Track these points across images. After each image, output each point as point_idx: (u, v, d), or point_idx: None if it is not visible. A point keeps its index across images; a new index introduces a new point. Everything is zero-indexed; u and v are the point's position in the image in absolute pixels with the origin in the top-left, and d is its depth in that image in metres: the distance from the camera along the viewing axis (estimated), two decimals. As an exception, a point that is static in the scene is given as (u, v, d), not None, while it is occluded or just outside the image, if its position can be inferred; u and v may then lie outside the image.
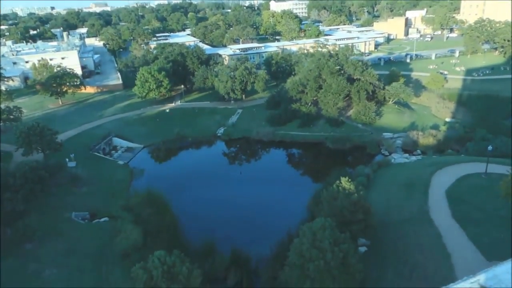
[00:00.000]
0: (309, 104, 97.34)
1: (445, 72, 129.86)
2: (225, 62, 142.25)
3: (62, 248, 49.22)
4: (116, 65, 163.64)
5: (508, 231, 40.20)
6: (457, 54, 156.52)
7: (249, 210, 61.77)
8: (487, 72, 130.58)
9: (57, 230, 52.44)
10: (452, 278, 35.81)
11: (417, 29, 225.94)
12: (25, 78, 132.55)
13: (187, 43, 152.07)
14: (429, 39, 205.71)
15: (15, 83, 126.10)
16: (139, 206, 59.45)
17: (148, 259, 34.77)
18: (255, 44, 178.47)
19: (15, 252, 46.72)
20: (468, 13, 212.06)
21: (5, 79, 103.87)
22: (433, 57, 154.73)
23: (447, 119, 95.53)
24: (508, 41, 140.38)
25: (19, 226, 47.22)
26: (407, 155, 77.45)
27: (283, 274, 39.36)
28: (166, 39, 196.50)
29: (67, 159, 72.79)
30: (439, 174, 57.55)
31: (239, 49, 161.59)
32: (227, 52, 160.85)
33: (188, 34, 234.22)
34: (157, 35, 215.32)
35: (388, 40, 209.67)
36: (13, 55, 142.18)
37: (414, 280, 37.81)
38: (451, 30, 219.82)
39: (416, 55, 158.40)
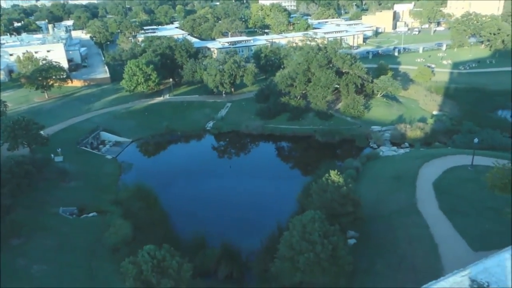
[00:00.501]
0: (298, 97, 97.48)
1: (433, 66, 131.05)
2: (214, 56, 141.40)
3: (50, 243, 48.75)
4: (103, 58, 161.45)
5: (494, 222, 41.02)
6: (444, 47, 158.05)
7: (239, 204, 61.92)
8: (474, 65, 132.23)
9: (45, 225, 51.88)
10: (439, 268, 36.57)
11: (405, 23, 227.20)
12: (10, 71, 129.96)
13: (175, 36, 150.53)
14: (417, 32, 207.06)
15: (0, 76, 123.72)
16: (128, 200, 59.13)
17: (137, 254, 34.63)
18: (244, 38, 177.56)
19: (2, 248, 46.08)
20: (455, 7, 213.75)
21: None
22: (420, 51, 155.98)
23: (435, 112, 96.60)
24: (494, 34, 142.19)
25: (6, 221, 46.57)
26: (395, 148, 78.25)
27: (273, 267, 39.63)
28: (154, 32, 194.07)
29: (52, 155, 71.77)
30: (426, 166, 58.30)
31: (228, 42, 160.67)
32: (215, 45, 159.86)
33: (177, 27, 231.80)
34: (145, 28, 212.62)
35: (377, 33, 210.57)
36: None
37: (402, 270, 38.41)
38: (438, 23, 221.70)
39: (404, 49, 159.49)
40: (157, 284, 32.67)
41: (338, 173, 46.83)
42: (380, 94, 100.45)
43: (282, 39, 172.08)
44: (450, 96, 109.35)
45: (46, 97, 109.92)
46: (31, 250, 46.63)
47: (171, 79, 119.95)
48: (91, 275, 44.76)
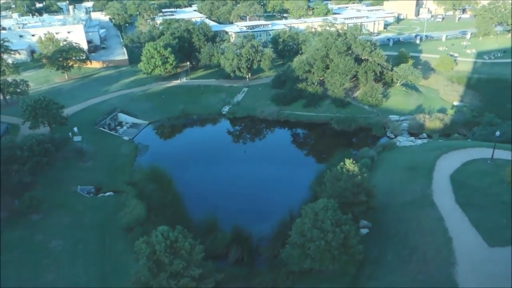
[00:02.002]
0: (316, 84, 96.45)
1: (455, 55, 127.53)
2: (232, 40, 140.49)
3: (67, 220, 50.13)
4: (122, 40, 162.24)
5: (510, 218, 40.21)
6: (468, 36, 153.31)
7: (252, 189, 62.16)
8: (499, 55, 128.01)
9: (62, 203, 53.28)
10: (452, 262, 36.21)
11: (428, 9, 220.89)
12: (32, 52, 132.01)
13: (193, 19, 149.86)
14: (440, 19, 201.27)
15: (22, 56, 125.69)
16: (143, 181, 60.04)
17: (151, 234, 35.23)
18: (262, 22, 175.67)
19: (22, 223, 47.66)
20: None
21: (12, 52, 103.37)
22: (443, 39, 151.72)
23: (455, 103, 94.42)
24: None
25: (26, 198, 47.96)
26: (412, 138, 76.93)
27: (284, 253, 39.88)
28: (173, 14, 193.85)
29: (70, 134, 73.11)
30: (444, 158, 57.25)
31: (246, 26, 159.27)
32: (233, 29, 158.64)
33: (195, 10, 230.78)
34: (163, 10, 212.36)
35: (398, 20, 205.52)
36: (19, 28, 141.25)
37: (413, 262, 38.15)
38: (464, 10, 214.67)
39: (426, 36, 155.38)
40: (169, 264, 33.26)
41: (353, 161, 46.42)
42: (400, 82, 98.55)
43: (301, 24, 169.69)
44: (472, 87, 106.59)
45: (66, 77, 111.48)
46: (49, 226, 48.08)
47: (188, 63, 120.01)
48: (105, 252, 45.97)
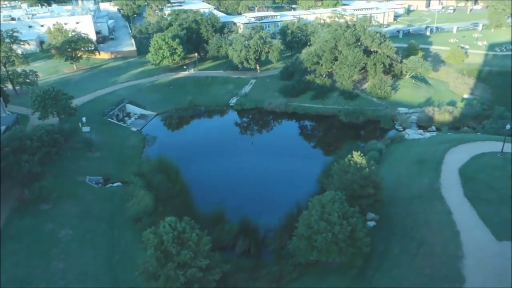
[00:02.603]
0: (324, 76, 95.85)
1: (466, 47, 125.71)
2: (240, 31, 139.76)
3: (76, 210, 50.70)
4: (130, 31, 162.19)
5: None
6: (480, 27, 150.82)
7: (259, 180, 62.29)
8: (511, 47, 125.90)
9: (71, 192, 53.87)
10: (459, 256, 36.06)
11: (439, 1, 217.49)
12: (41, 42, 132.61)
13: (201, 10, 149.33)
14: (452, 11, 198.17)
15: (31, 46, 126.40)
16: (151, 172, 60.45)
17: (159, 224, 35.53)
18: (271, 13, 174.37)
19: (32, 212, 48.29)
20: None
21: (21, 43, 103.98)
22: (454, 30, 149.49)
23: (465, 96, 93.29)
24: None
25: (35, 187, 48.53)
26: (421, 131, 76.37)
27: (290, 245, 40.03)
28: (181, 5, 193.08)
29: (79, 124, 73.65)
30: (453, 151, 56.71)
31: (254, 17, 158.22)
32: (242, 20, 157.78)
33: (203, 1, 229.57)
34: (172, 1, 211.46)
35: (408, 11, 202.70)
36: (28, 18, 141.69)
37: (420, 256, 38.04)
38: (476, 2, 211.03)
39: (437, 28, 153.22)
40: (176, 255, 33.56)
41: (361, 154, 46.21)
42: (409, 75, 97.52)
43: (309, 15, 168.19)
44: (483, 79, 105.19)
45: (75, 68, 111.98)
46: (58, 216, 48.68)
47: (196, 54, 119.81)
48: (113, 242, 46.51)
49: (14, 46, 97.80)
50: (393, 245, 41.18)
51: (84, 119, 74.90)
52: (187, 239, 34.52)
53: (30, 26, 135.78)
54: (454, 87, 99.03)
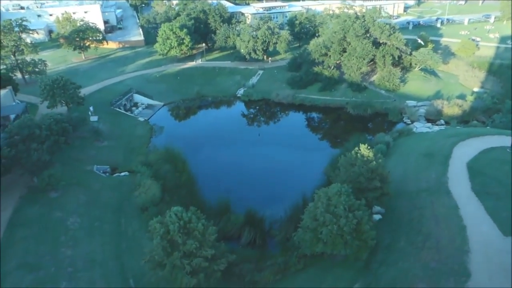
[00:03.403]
0: (332, 67, 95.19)
1: (478, 39, 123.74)
2: (248, 21, 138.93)
3: (84, 198, 51.25)
4: (138, 20, 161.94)
5: (528, 207, 39.51)
6: (492, 19, 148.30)
7: (265, 172, 62.38)
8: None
9: (79, 181, 54.39)
10: (465, 250, 35.95)
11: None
12: (49, 31, 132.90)
13: (209, 0, 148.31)
14: (463, 2, 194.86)
15: (40, 36, 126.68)
16: (158, 162, 60.82)
17: (165, 214, 35.81)
18: (279, 3, 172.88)
19: (41, 200, 48.88)
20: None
21: (30, 32, 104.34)
22: (466, 22, 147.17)
23: (475, 89, 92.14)
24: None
25: (44, 175, 49.06)
26: (429, 124, 75.81)
27: (296, 236, 40.16)
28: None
29: (89, 113, 74.11)
30: (461, 145, 56.22)
31: (262, 8, 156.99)
32: (250, 10, 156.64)
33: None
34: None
35: (419, 2, 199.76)
36: (37, 7, 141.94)
37: (426, 250, 37.95)
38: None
39: (448, 20, 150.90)
40: (182, 244, 33.87)
41: (368, 147, 46.00)
42: (418, 67, 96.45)
43: (318, 6, 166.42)
44: (494, 73, 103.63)
45: (83, 57, 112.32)
46: (66, 204, 49.24)
47: (203, 44, 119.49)
48: (120, 230, 47.02)
49: (23, 35, 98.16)
50: (399, 239, 41.13)
51: (91, 108, 75.28)
52: (193, 229, 34.80)
53: (39, 15, 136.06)
54: (464, 80, 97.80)
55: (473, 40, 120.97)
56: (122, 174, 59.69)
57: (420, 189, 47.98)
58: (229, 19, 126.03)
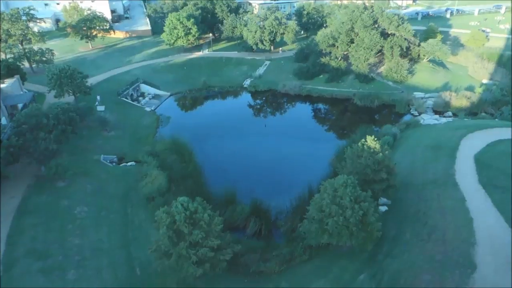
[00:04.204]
0: (339, 58, 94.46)
1: (488, 30, 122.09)
2: (255, 11, 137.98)
3: (91, 188, 51.67)
4: (145, 10, 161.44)
5: (536, 200, 39.22)
6: (503, 10, 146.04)
7: (272, 163, 62.37)
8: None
9: (86, 171, 54.78)
10: (472, 243, 35.88)
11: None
12: (57, 20, 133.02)
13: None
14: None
15: (47, 25, 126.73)
16: (164, 152, 61.04)
17: (171, 204, 36.01)
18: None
19: (49, 189, 49.38)
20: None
21: (38, 21, 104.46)
22: (476, 13, 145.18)
23: (484, 81, 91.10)
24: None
25: (52, 165, 49.47)
26: (437, 116, 75.19)
27: (301, 227, 40.27)
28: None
29: (96, 102, 74.37)
30: (469, 137, 55.80)
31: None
32: (257, 0, 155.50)
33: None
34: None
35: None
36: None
37: (432, 242, 37.91)
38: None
39: (458, 10, 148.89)
40: (188, 234, 34.10)
41: (375, 138, 45.79)
42: (427, 58, 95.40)
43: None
44: (503, 64, 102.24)
45: (90, 47, 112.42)
46: (74, 193, 49.70)
47: (210, 34, 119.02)
48: (127, 220, 47.42)
49: (31, 24, 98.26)
50: (405, 231, 41.10)
51: (98, 97, 75.48)
52: (199, 219, 34.98)
53: (46, 4, 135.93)
54: (473, 72, 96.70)
55: (483, 31, 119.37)
56: (129, 164, 60.03)
57: (427, 181, 47.78)
58: (236, 9, 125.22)
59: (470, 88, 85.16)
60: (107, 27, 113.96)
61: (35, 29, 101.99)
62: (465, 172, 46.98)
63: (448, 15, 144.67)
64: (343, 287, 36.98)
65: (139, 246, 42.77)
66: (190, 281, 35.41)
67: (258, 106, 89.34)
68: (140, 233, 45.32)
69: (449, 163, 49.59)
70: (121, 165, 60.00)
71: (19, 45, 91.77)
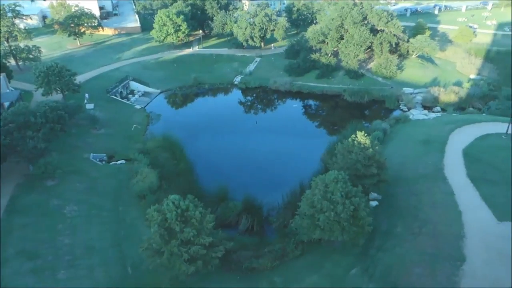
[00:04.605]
0: (329, 54, 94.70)
1: (475, 26, 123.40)
2: (245, 8, 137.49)
3: (81, 186, 51.21)
4: (134, 7, 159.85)
5: (523, 193, 39.93)
6: (490, 6, 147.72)
7: (263, 159, 62.43)
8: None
9: (76, 169, 54.25)
10: (461, 236, 36.44)
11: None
12: (43, 17, 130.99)
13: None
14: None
15: (34, 21, 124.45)
16: (155, 150, 60.69)
17: (163, 202, 35.84)
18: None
19: (38, 188, 48.83)
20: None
21: (24, 17, 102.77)
22: (463, 9, 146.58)
23: (472, 76, 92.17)
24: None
25: (41, 163, 48.89)
26: (426, 111, 75.99)
27: (293, 223, 40.44)
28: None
29: (85, 100, 73.59)
30: (458, 132, 56.59)
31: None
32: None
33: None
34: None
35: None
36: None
37: (423, 235, 38.42)
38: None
39: (446, 7, 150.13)
40: (180, 232, 34.00)
41: (365, 134, 46.10)
42: (416, 54, 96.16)
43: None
44: (491, 60, 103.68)
45: (78, 44, 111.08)
46: (64, 192, 49.21)
47: (200, 31, 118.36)
48: (118, 218, 47.11)
49: (17, 21, 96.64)
50: (396, 225, 41.53)
51: (87, 95, 74.63)
52: (190, 217, 34.87)
53: (32, 0, 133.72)
54: (461, 67, 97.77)
55: (471, 27, 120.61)
56: (119, 162, 59.52)
57: (417, 175, 48.32)
58: (226, 5, 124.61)
59: (458, 83, 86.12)
60: (96, 24, 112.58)
61: (21, 26, 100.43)
62: (454, 166, 47.65)
63: (436, 11, 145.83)
64: (336, 281, 37.25)
65: (131, 244, 42.50)
66: (182, 278, 35.36)
67: (249, 103, 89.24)
68: (131, 231, 45.05)
69: (438, 158, 50.21)
70: (111, 163, 59.46)
71: (5, 42, 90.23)
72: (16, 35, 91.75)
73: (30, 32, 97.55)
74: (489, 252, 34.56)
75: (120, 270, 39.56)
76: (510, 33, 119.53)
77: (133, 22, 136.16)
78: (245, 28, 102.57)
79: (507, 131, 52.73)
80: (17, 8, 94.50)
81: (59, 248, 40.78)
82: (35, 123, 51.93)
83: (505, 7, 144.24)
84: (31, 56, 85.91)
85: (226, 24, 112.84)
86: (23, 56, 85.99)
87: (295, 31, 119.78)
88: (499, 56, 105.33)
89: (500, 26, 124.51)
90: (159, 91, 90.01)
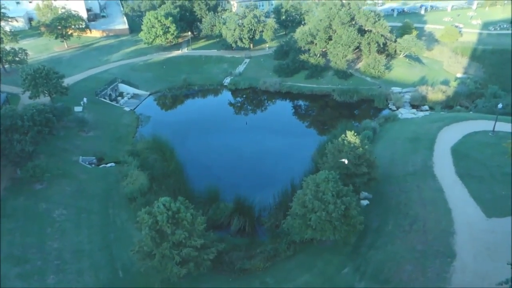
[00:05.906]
0: (318, 55, 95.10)
1: (460, 25, 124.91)
2: (234, 9, 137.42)
3: (70, 190, 50.61)
4: (122, 8, 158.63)
5: (510, 189, 40.51)
6: (474, 6, 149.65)
7: (254, 160, 62.42)
8: (505, 26, 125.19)
9: (65, 172, 53.54)
10: (451, 232, 36.84)
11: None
12: (30, 19, 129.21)
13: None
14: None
15: (20, 24, 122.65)
16: (145, 152, 60.31)
17: (153, 204, 35.57)
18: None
19: (26, 192, 48.14)
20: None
21: (9, 19, 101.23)
22: (449, 9, 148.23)
23: (458, 75, 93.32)
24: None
25: (28, 167, 48.20)
26: (414, 110, 76.75)
27: (285, 223, 40.45)
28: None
29: (81, 103, 72.68)
30: (446, 130, 57.23)
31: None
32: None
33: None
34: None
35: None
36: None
37: (413, 232, 38.76)
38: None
39: (432, 7, 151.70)
40: (171, 235, 33.76)
41: (355, 133, 46.37)
42: (403, 54, 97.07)
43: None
44: (477, 58, 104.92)
45: (66, 46, 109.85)
46: (52, 195, 48.59)
47: (189, 33, 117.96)
48: (108, 221, 46.66)
49: (2, 23, 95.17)
50: (387, 222, 41.82)
51: (85, 99, 73.35)
52: (181, 219, 34.63)
53: (18, 2, 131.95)
54: (448, 66, 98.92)
55: (456, 26, 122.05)
56: (109, 165, 58.97)
57: (407, 173, 48.75)
58: (215, 7, 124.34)
59: (445, 82, 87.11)
60: (83, 26, 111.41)
61: (7, 28, 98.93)
62: (443, 164, 48.21)
63: (422, 11, 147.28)
64: (328, 280, 37.37)
65: (122, 247, 42.14)
66: (174, 281, 35.10)
67: (239, 104, 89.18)
68: (122, 234, 44.65)
69: (427, 155, 50.74)
70: (101, 166, 58.91)
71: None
72: (1, 38, 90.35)
73: (16, 35, 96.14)
74: (479, 247, 35.03)
75: (111, 273, 39.18)
76: (495, 32, 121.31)
77: (121, 24, 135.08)
78: (234, 30, 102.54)
79: (493, 128, 53.48)
80: (2, 10, 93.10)
81: (48, 252, 40.24)
82: (22, 126, 51.22)
83: (489, 6, 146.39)
84: (17, 58, 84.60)
85: (215, 25, 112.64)
86: (9, 59, 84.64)
87: (284, 32, 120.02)
88: (484, 54, 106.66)
89: (485, 25, 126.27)
90: (148, 93, 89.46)
